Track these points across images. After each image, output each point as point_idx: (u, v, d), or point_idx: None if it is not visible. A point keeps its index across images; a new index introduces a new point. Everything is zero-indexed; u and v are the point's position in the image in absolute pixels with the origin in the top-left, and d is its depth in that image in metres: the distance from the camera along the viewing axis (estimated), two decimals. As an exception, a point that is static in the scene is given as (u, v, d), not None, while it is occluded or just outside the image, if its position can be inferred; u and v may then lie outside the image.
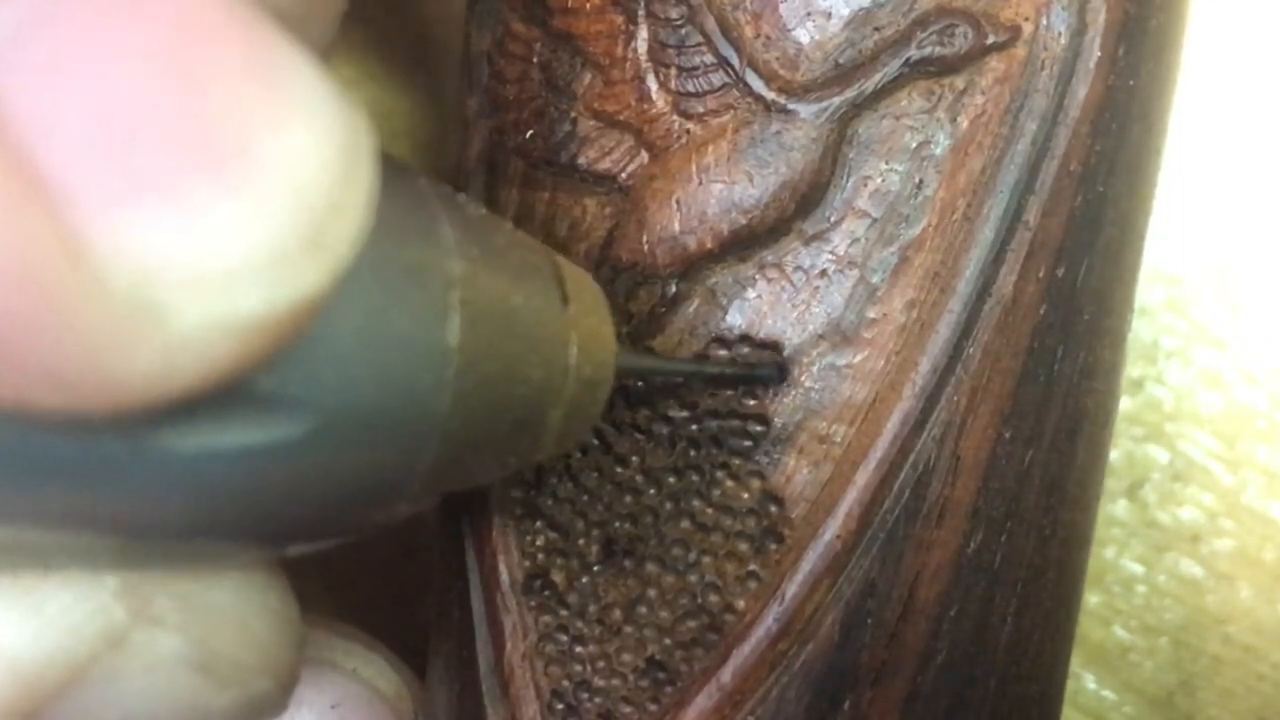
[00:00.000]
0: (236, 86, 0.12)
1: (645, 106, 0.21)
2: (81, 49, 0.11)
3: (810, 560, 0.20)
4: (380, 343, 0.14)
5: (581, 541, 0.22)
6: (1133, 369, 0.31)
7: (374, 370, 0.14)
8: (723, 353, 0.21)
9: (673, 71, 0.21)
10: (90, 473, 0.13)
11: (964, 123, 0.20)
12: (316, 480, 0.14)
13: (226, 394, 0.12)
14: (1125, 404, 0.30)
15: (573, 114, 0.22)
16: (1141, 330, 0.31)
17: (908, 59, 0.20)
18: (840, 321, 0.20)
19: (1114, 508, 0.31)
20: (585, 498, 0.22)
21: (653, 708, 0.21)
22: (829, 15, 0.20)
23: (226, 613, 0.16)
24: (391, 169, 0.14)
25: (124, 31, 0.11)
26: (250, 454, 0.13)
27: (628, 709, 0.21)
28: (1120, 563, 0.31)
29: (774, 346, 0.21)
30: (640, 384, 0.21)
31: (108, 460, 0.13)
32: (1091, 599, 0.31)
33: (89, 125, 0.11)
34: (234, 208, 0.11)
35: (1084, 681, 0.32)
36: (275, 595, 0.17)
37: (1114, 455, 0.28)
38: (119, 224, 0.11)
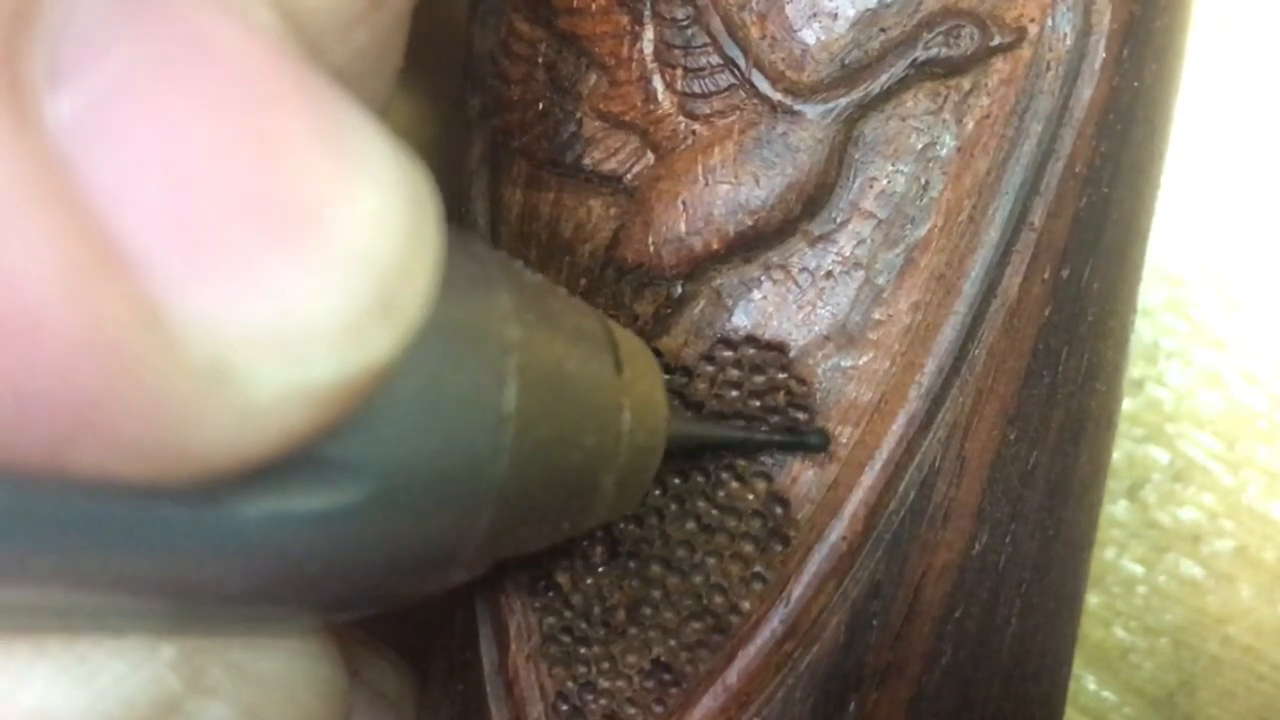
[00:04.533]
0: (306, 155, 0.12)
1: (651, 107, 0.21)
2: (154, 122, 0.11)
3: (816, 561, 0.20)
4: (439, 407, 0.14)
5: (586, 542, 0.22)
6: (1133, 369, 0.31)
7: (433, 435, 0.14)
8: (763, 430, 0.21)
9: (679, 72, 0.21)
10: (155, 538, 0.13)
11: (970, 124, 0.20)
12: (375, 545, 0.14)
13: (290, 460, 0.12)
14: (1126, 405, 0.30)
15: (578, 115, 0.21)
16: (1142, 331, 0.31)
17: (914, 60, 0.20)
18: (846, 323, 0.20)
19: (1114, 508, 0.31)
20: None
21: (658, 709, 0.21)
22: (835, 16, 0.20)
23: (277, 682, 0.16)
24: (451, 234, 0.14)
25: (195, 104, 0.11)
26: (311, 519, 0.13)
27: (633, 710, 0.21)
28: (1121, 563, 0.31)
29: (779, 348, 0.21)
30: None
31: (173, 525, 0.13)
32: (1092, 599, 0.31)
33: (164, 197, 0.11)
34: (307, 276, 0.12)
35: (1084, 682, 0.32)
36: (326, 665, 0.17)
37: (1115, 456, 0.28)
38: (195, 295, 0.11)
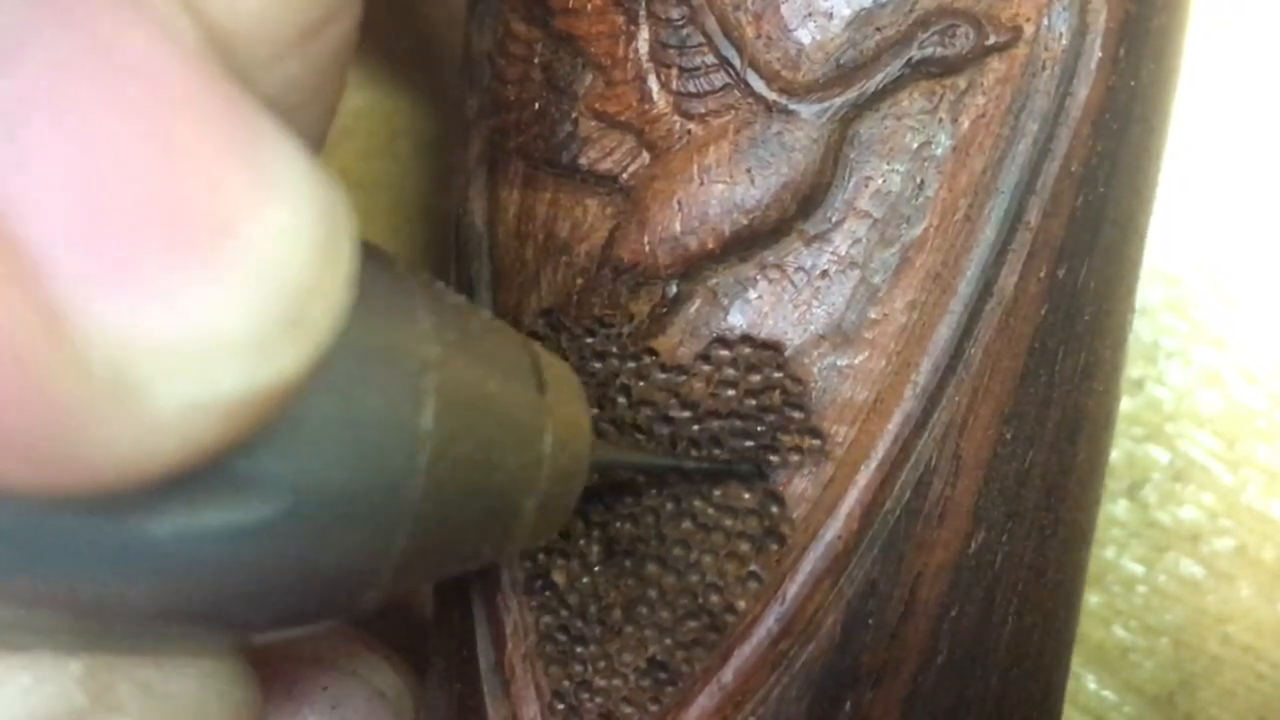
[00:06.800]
0: (218, 166, 0.12)
1: (646, 107, 0.21)
2: (65, 128, 0.11)
3: (811, 560, 0.20)
4: (354, 425, 0.14)
5: (582, 541, 0.22)
6: (1133, 369, 0.31)
7: (347, 452, 0.14)
8: (696, 456, 0.21)
9: (674, 72, 0.21)
10: (61, 553, 0.12)
11: (965, 123, 0.20)
12: (287, 564, 0.14)
13: (200, 474, 0.12)
14: (1125, 404, 0.30)
15: (574, 114, 0.21)
16: (1141, 330, 0.31)
17: (909, 59, 0.20)
18: (841, 322, 0.20)
19: (1114, 508, 0.31)
20: (585, 497, 0.22)
21: (654, 708, 0.21)
22: (830, 15, 0.20)
23: (187, 702, 0.16)
24: (369, 253, 0.14)
25: (107, 111, 0.11)
26: (222, 536, 0.13)
27: (629, 709, 0.21)
28: (1120, 563, 0.31)
29: (775, 347, 0.21)
30: (641, 383, 0.21)
31: (79, 540, 0.12)
32: (1091, 599, 0.31)
33: (71, 204, 0.11)
34: (214, 287, 0.11)
35: (1084, 681, 0.32)
36: (239, 686, 0.17)
37: (1114, 455, 0.28)
38: (99, 303, 0.11)
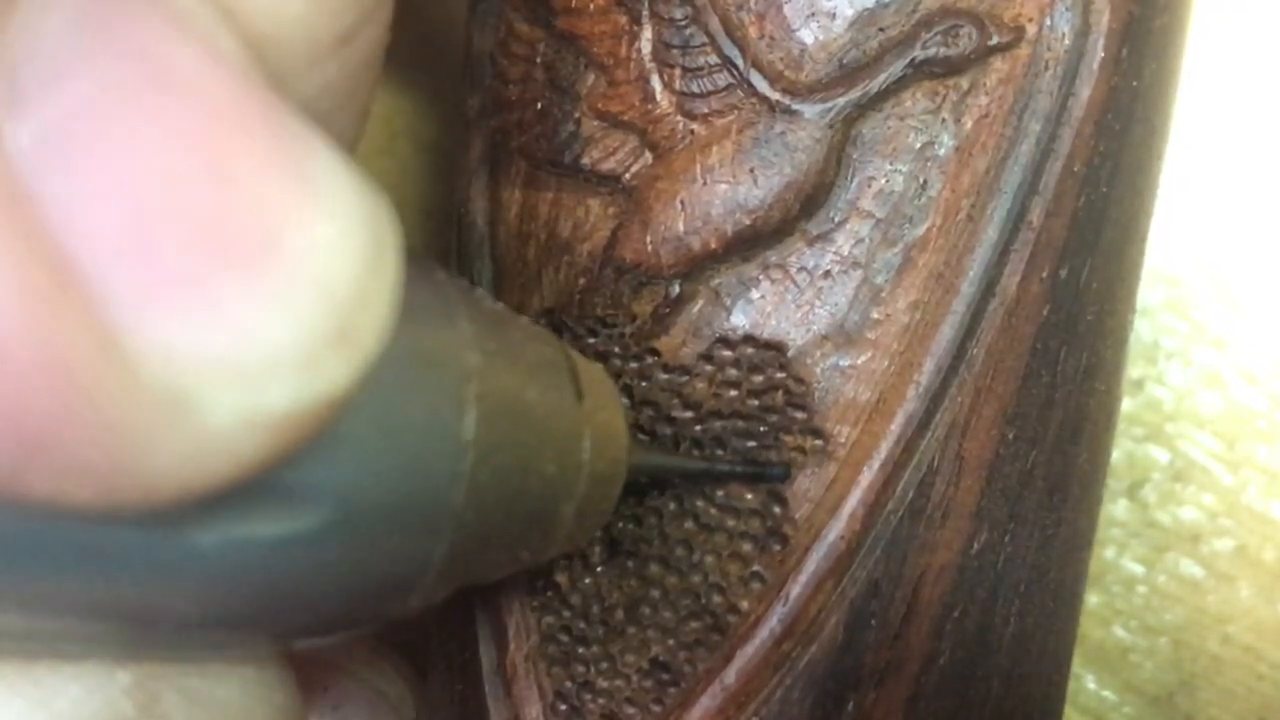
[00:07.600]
0: (264, 181, 0.12)
1: (649, 107, 0.21)
2: (114, 149, 0.11)
3: (814, 561, 0.20)
4: (398, 434, 0.14)
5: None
6: (1133, 369, 0.31)
7: (391, 462, 0.14)
8: (724, 458, 0.21)
9: (677, 72, 0.21)
10: (112, 564, 0.13)
11: (968, 123, 0.20)
12: (332, 572, 0.14)
13: (247, 486, 0.12)
14: (1125, 404, 0.30)
15: (576, 114, 0.21)
16: (1141, 330, 0.31)
17: (912, 59, 0.20)
18: (844, 322, 0.20)
19: (1114, 508, 0.31)
20: None
21: (656, 709, 0.21)
22: (833, 16, 0.20)
23: (232, 709, 0.16)
24: (410, 261, 0.14)
25: (156, 130, 0.11)
26: (268, 545, 0.13)
27: (631, 710, 0.21)
28: (1120, 563, 0.31)
29: (778, 347, 0.21)
30: (643, 383, 0.21)
31: (130, 551, 0.13)
32: (1091, 599, 0.31)
33: (123, 224, 0.11)
34: (264, 304, 0.12)
35: (1084, 681, 0.32)
36: (282, 692, 0.17)
37: (1114, 455, 0.28)
38: (151, 319, 0.11)
